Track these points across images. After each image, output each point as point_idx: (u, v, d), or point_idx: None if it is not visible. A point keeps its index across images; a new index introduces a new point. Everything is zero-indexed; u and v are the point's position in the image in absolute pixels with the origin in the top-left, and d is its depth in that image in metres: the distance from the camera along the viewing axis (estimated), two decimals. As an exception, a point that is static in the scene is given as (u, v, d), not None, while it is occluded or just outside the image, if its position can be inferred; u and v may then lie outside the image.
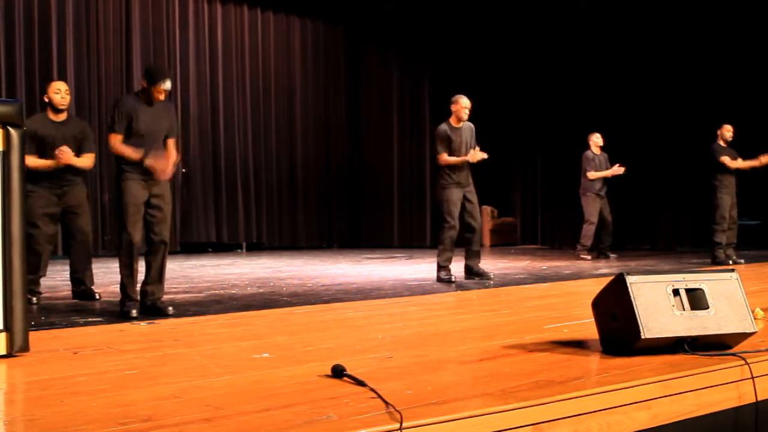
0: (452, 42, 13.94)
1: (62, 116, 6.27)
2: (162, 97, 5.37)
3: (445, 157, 7.66)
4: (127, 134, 5.34)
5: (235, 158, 13.15)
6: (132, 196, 5.28)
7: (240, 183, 13.21)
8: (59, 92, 6.25)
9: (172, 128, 5.55)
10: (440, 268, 7.69)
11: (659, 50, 12.22)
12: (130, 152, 5.27)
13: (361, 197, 14.78)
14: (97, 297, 6.33)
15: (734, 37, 11.52)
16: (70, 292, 6.50)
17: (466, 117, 7.71)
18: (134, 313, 5.17)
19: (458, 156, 7.66)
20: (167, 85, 5.33)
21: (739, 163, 9.48)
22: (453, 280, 7.57)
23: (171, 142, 5.55)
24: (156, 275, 5.38)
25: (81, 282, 6.40)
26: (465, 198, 7.71)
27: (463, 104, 7.69)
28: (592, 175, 10.61)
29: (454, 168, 7.66)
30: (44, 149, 6.08)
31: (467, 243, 7.79)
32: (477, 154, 7.66)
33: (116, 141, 5.32)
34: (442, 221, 7.74)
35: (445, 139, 7.66)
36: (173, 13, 12.41)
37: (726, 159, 9.46)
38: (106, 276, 7.83)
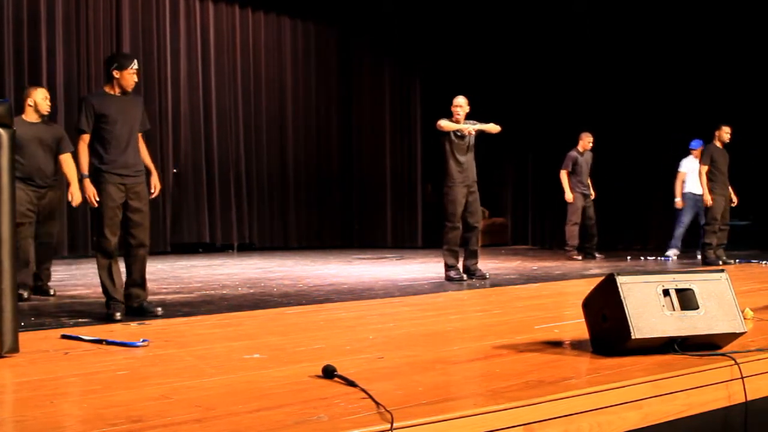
0: (444, 43, 13.94)
1: (37, 118, 6.45)
2: (136, 79, 5.30)
3: (443, 122, 7.68)
4: (98, 130, 5.24)
5: (226, 158, 13.11)
6: (110, 198, 5.21)
7: (232, 183, 13.17)
8: (45, 99, 6.46)
9: (144, 121, 5.47)
10: (449, 267, 7.70)
11: (652, 51, 12.24)
12: (85, 164, 5.25)
13: (353, 198, 14.77)
14: (52, 293, 6.55)
15: (728, 38, 11.55)
16: (57, 294, 6.64)
17: (458, 115, 7.70)
18: (118, 315, 5.11)
19: (460, 155, 7.67)
20: (136, 65, 5.30)
21: (703, 183, 9.52)
22: (464, 278, 7.59)
23: (140, 136, 5.47)
24: (138, 278, 5.34)
25: (37, 278, 6.57)
26: (468, 197, 7.73)
27: (455, 102, 7.72)
28: (562, 174, 10.67)
29: (461, 167, 7.67)
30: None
31: (465, 242, 7.80)
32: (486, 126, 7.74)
33: (83, 143, 5.25)
34: (445, 221, 7.74)
35: (450, 128, 7.67)
36: (164, 13, 12.37)
37: (702, 170, 9.52)
38: (96, 277, 7.78)
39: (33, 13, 11.01)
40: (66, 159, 6.55)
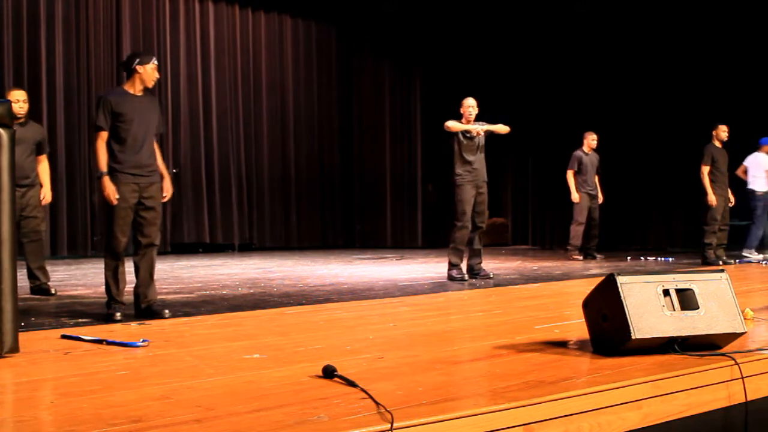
0: (443, 42, 13.95)
1: (20, 119, 6.48)
2: (157, 76, 5.29)
3: (451, 123, 7.73)
4: (114, 128, 5.19)
5: (226, 158, 13.11)
6: (123, 199, 5.17)
7: (232, 183, 13.17)
8: (17, 102, 6.45)
9: (160, 123, 5.46)
10: (452, 266, 7.72)
11: (653, 51, 12.24)
12: (103, 162, 5.17)
13: (354, 198, 14.77)
14: (53, 292, 6.54)
15: (728, 38, 11.54)
16: (57, 293, 6.63)
17: (471, 116, 7.76)
18: (119, 316, 5.08)
19: (469, 155, 7.69)
20: (156, 60, 5.31)
21: (706, 183, 9.48)
22: (465, 278, 7.60)
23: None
24: (146, 277, 5.30)
25: (36, 278, 6.59)
26: (477, 198, 7.74)
27: (466, 104, 7.79)
28: (568, 174, 10.66)
29: (470, 167, 7.69)
30: None
31: (469, 242, 7.82)
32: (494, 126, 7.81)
33: (101, 140, 5.19)
34: (454, 220, 7.75)
35: (457, 128, 7.70)
36: (164, 13, 12.37)
37: (704, 170, 9.48)
38: (96, 276, 7.80)
39: (33, 12, 11.01)
40: (42, 161, 6.66)
